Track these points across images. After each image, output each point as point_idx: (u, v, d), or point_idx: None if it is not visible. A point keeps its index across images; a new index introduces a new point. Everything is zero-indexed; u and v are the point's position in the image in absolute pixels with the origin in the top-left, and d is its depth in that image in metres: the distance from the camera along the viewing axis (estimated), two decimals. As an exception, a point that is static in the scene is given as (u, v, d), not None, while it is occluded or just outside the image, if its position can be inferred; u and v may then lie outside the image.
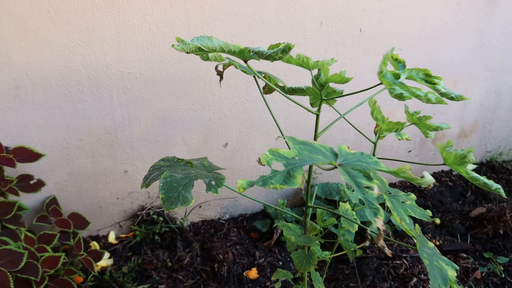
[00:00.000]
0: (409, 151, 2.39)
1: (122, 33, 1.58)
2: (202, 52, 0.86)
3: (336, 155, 0.84)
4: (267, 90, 1.24)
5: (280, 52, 0.83)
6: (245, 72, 1.07)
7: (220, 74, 1.18)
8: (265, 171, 2.03)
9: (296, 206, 2.21)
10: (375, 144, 1.26)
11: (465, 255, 1.83)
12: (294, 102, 1.01)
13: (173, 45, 0.81)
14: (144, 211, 1.97)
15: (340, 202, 1.27)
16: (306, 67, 1.03)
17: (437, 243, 1.89)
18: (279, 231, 1.95)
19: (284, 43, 0.84)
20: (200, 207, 2.05)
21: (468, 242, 1.96)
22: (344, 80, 0.96)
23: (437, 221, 1.19)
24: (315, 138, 1.11)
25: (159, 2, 1.57)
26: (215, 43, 0.84)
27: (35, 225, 1.68)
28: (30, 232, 1.74)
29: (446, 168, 2.61)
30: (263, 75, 1.16)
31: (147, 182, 1.06)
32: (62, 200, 1.85)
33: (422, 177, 0.82)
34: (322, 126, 1.14)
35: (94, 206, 1.91)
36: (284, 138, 0.86)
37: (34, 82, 1.58)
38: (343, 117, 1.17)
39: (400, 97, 0.91)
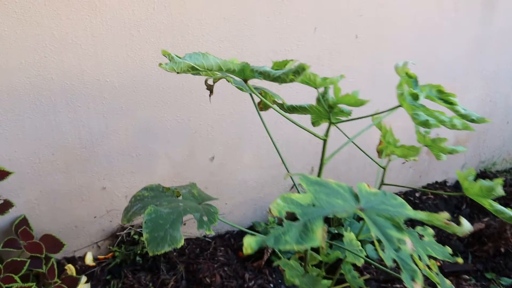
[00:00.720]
0: (403, 163, 2.26)
1: (99, 37, 1.42)
2: (196, 72, 0.71)
3: (356, 197, 0.70)
4: (263, 106, 1.09)
5: (292, 74, 0.69)
6: (240, 89, 0.92)
7: (210, 88, 1.03)
8: (257, 187, 1.88)
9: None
10: (384, 169, 1.12)
11: (467, 277, 1.71)
12: (298, 125, 0.86)
13: (160, 64, 0.67)
14: (124, 231, 1.80)
15: (344, 232, 1.13)
16: (313, 85, 0.89)
17: (438, 264, 1.76)
18: (269, 251, 1.80)
19: (296, 62, 0.71)
20: (184, 224, 1.89)
21: (469, 260, 1.84)
22: (359, 103, 0.82)
23: (460, 260, 1.05)
24: (321, 166, 0.97)
25: (140, 4, 1.41)
26: (212, 61, 0.70)
27: (2, 250, 1.50)
28: (-3, 256, 1.56)
29: (440, 178, 2.49)
30: (259, 91, 1.02)
31: (128, 216, 0.90)
32: (34, 220, 1.67)
33: (459, 224, 0.68)
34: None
35: (69, 226, 1.74)
36: (291, 176, 0.72)
37: (0, 91, 1.40)
38: (352, 141, 1.03)
39: (425, 124, 0.77)
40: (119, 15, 1.40)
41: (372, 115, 0.93)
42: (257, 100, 1.21)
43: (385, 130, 1.03)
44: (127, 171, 1.68)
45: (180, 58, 0.70)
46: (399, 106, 0.87)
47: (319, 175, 1.00)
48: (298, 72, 0.68)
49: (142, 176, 1.71)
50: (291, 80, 0.70)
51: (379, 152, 1.35)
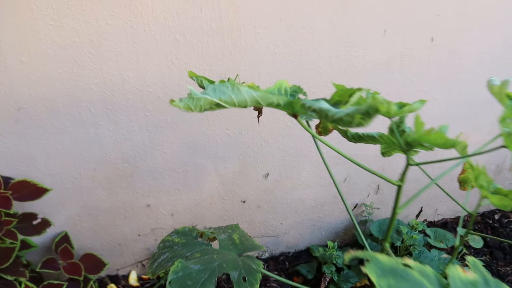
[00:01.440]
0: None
1: (141, 44, 1.27)
2: (222, 108, 0.53)
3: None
4: (322, 130, 0.89)
5: (360, 116, 0.48)
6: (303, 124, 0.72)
7: (259, 109, 0.85)
8: (315, 207, 1.68)
9: (348, 245, 1.84)
10: (472, 215, 0.89)
11: None
12: (359, 165, 0.66)
13: (172, 101, 0.49)
14: (170, 249, 1.65)
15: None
16: (386, 115, 0.68)
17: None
18: (327, 279, 1.60)
19: (364, 92, 0.51)
20: (234, 244, 1.72)
21: None
22: (450, 144, 0.60)
23: None
24: (393, 216, 0.76)
25: (185, 6, 1.25)
26: (245, 95, 0.51)
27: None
28: (36, 275, 1.46)
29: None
30: (316, 111, 0.82)
31: (153, 268, 0.73)
32: (76, 236, 1.56)
33: None
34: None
35: (112, 243, 1.62)
36: (356, 252, 0.52)
37: (38, 103, 1.29)
38: (435, 183, 0.81)
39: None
40: (162, 19, 1.25)
41: (468, 156, 0.70)
42: (315, 121, 1.01)
43: (477, 171, 0.80)
44: (173, 188, 1.53)
45: (202, 90, 0.52)
46: (502, 147, 0.65)
47: (389, 229, 0.79)
48: (369, 114, 0.48)
49: (189, 194, 1.56)
50: (359, 124, 0.50)
51: (461, 183, 1.11)
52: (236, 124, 1.46)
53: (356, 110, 0.47)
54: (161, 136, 1.42)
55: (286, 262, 1.78)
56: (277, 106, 0.55)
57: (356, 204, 1.79)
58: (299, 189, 1.66)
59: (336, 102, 0.58)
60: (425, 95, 1.59)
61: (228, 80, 0.93)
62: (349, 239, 1.87)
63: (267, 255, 1.81)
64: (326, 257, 1.62)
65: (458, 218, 1.99)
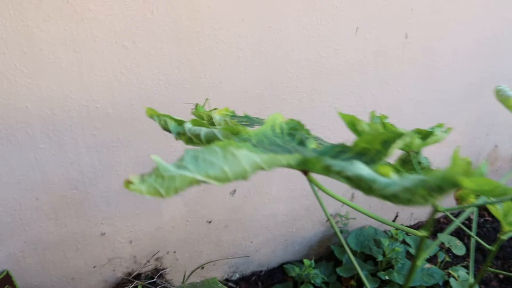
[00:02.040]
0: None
1: (83, 53, 1.08)
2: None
3: None
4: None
5: (428, 193, 0.32)
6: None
7: None
8: (287, 221, 1.54)
9: (323, 258, 1.71)
10: (492, 251, 0.76)
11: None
12: (367, 214, 0.51)
13: (128, 184, 0.33)
14: (132, 284, 1.47)
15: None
16: (406, 148, 0.54)
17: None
18: (306, 300, 1.46)
19: (415, 139, 0.38)
20: (202, 268, 1.56)
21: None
22: (498, 193, 0.44)
23: None
24: (413, 269, 0.62)
25: (134, 8, 1.07)
26: (244, 163, 0.35)
27: (-24, 321, 1.19)
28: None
29: None
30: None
31: None
32: (20, 274, 1.35)
33: None
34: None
35: (64, 278, 1.42)
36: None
37: (-38, 127, 1.08)
38: (460, 225, 0.68)
39: None
40: (107, 23, 1.07)
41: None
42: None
43: (507, 208, 0.67)
44: (130, 213, 1.35)
45: (175, 169, 0.35)
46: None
47: (407, 281, 0.65)
48: (443, 189, 0.31)
49: (148, 218, 1.38)
50: (422, 203, 0.34)
51: (458, 200, 0.99)
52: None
53: (421, 184, 0.32)
54: (113, 157, 1.24)
55: (258, 283, 1.63)
56: (288, 165, 0.40)
57: (328, 219, 1.66)
58: (269, 204, 1.51)
59: (361, 152, 0.42)
60: (400, 96, 1.48)
61: (195, 107, 0.77)
62: (323, 252, 1.74)
63: (237, 275, 1.65)
64: (303, 276, 1.48)
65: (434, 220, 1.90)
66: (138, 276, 1.47)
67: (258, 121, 0.74)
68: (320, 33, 1.26)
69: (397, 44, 1.39)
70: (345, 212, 1.65)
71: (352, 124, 0.53)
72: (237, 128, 0.45)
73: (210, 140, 0.45)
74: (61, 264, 1.38)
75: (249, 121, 0.75)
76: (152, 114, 0.49)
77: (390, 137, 0.38)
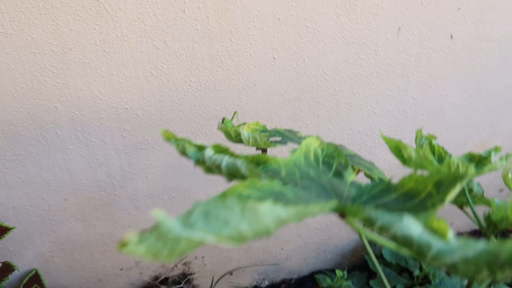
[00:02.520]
0: (501, 190, 1.78)
1: (113, 53, 1.05)
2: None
3: None
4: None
5: (497, 268, 0.25)
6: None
7: (264, 149, 0.65)
8: (320, 229, 1.48)
9: (356, 268, 1.64)
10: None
11: None
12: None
13: (123, 245, 0.27)
14: (158, 282, 1.44)
15: None
16: (459, 180, 0.47)
17: None
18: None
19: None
20: (231, 274, 1.51)
21: None
22: None
23: None
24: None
25: (165, 7, 1.03)
26: (266, 221, 0.29)
27: (3, 322, 1.18)
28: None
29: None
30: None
31: None
32: (48, 274, 1.34)
33: None
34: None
35: (91, 279, 1.40)
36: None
37: (-8, 126, 1.07)
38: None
39: None
40: (137, 23, 1.03)
41: None
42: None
43: None
44: (158, 217, 1.32)
45: (180, 228, 0.30)
46: None
47: None
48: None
49: (177, 222, 1.34)
50: (486, 278, 0.27)
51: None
52: (229, 142, 1.25)
53: (486, 257, 0.25)
54: (142, 160, 1.20)
55: (289, 290, 1.57)
56: (331, 209, 0.34)
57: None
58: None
59: (409, 193, 0.35)
60: (443, 100, 1.39)
61: (222, 121, 0.71)
62: (357, 261, 1.66)
63: (266, 283, 1.60)
64: (335, 285, 1.41)
65: (475, 231, 1.79)
66: (165, 281, 1.44)
67: (291, 136, 0.69)
68: (359, 33, 1.19)
69: (441, 46, 1.30)
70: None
71: (397, 149, 0.47)
72: (264, 157, 0.39)
73: (232, 173, 0.39)
74: (89, 265, 1.36)
75: (280, 135, 0.69)
76: (169, 138, 0.43)
77: (447, 178, 0.31)
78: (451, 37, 1.30)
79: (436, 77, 1.34)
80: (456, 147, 1.49)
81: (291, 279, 1.61)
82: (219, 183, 1.31)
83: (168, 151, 1.21)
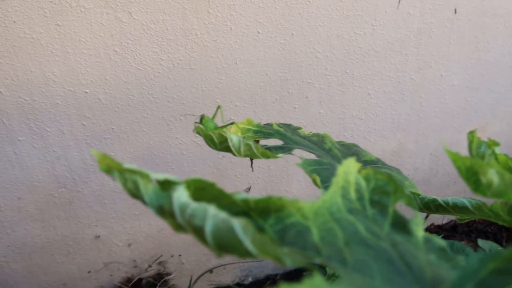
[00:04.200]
0: None
1: (67, 26, 0.86)
2: None
3: None
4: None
5: None
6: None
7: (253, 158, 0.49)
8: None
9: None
10: None
11: None
12: None
13: None
14: (130, 284, 1.29)
15: None
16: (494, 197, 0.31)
17: None
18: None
19: None
20: (211, 272, 1.36)
21: None
22: None
23: None
24: None
25: (129, -31, 0.84)
26: None
27: None
28: None
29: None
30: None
31: None
32: (5, 281, 1.17)
33: None
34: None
35: (55, 285, 1.23)
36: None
37: None
38: None
39: None
40: (95, -11, 0.84)
41: None
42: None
43: None
44: (128, 214, 1.15)
45: None
46: None
47: None
48: None
49: (149, 219, 1.18)
50: None
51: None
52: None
53: None
54: (107, 151, 1.03)
55: (273, 287, 1.43)
56: None
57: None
58: (289, 203, 1.30)
59: None
60: (443, 81, 1.25)
61: (201, 120, 0.55)
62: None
63: (250, 279, 1.46)
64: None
65: (468, 220, 1.68)
66: (138, 282, 1.28)
67: (296, 140, 0.52)
68: (356, 5, 1.03)
69: (444, 21, 1.15)
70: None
71: (471, 172, 0.31)
72: (278, 201, 0.24)
73: (225, 245, 0.23)
74: (51, 269, 1.19)
75: (281, 138, 0.53)
76: (110, 169, 0.26)
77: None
78: (455, 12, 1.15)
79: (437, 56, 1.19)
80: (455, 131, 1.36)
81: (276, 275, 1.47)
82: (196, 174, 1.14)
83: (137, 141, 1.04)
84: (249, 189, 1.22)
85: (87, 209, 1.11)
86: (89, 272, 1.24)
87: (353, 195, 0.27)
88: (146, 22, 0.90)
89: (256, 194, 1.24)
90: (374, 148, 1.28)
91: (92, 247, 1.19)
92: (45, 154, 0.99)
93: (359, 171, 0.28)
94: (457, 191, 1.52)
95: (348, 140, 1.22)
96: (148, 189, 0.24)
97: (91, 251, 1.20)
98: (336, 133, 1.20)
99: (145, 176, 0.25)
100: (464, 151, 1.32)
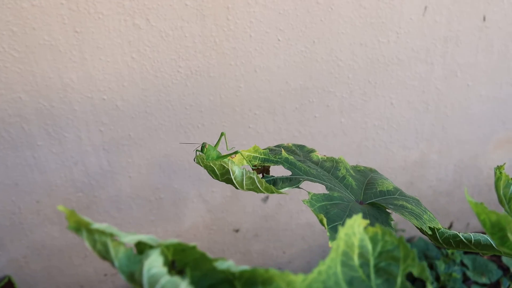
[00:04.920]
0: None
1: (86, 33, 0.85)
2: None
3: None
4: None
5: None
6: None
7: (264, 169, 0.46)
8: (316, 223, 1.30)
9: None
10: None
11: None
12: None
13: None
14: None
15: None
16: None
17: None
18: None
19: None
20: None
21: None
22: None
23: None
24: None
25: (147, -24, 0.83)
26: None
27: None
28: None
29: None
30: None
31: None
32: (24, 280, 1.17)
33: None
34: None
35: (72, 286, 1.23)
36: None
37: None
38: None
39: None
40: (113, -4, 0.83)
41: None
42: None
43: None
44: (144, 220, 1.14)
45: None
46: None
47: None
48: None
49: (166, 225, 1.17)
50: None
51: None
52: (226, 136, 1.06)
53: None
54: (124, 157, 1.02)
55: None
56: None
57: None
58: (307, 212, 1.27)
59: None
60: (470, 91, 1.19)
61: (202, 148, 0.53)
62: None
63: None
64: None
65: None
66: None
67: (306, 170, 0.50)
68: (380, 12, 0.99)
69: (472, 29, 1.10)
70: (393, 224, 1.39)
71: (498, 227, 0.28)
72: (268, 273, 0.21)
73: None
74: (69, 271, 1.19)
75: (290, 168, 0.50)
76: (78, 227, 0.23)
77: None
78: (484, 19, 1.09)
79: (464, 65, 1.14)
80: (480, 142, 1.30)
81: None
82: (214, 183, 1.13)
83: (154, 148, 1.03)
84: (267, 198, 1.20)
85: (104, 214, 1.10)
86: (105, 275, 1.23)
87: (356, 260, 0.24)
88: (164, 28, 0.88)
89: (275, 203, 1.22)
90: (396, 159, 1.24)
91: (109, 251, 1.18)
92: (63, 159, 0.99)
93: (366, 228, 0.25)
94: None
95: (369, 150, 1.18)
96: (118, 253, 0.22)
97: (108, 254, 1.19)
98: (357, 143, 1.16)
99: (114, 240, 0.22)
100: (489, 163, 1.26)
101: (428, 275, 0.29)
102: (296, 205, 1.24)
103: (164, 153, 1.04)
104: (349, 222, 0.26)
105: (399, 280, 0.23)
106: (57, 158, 0.98)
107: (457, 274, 1.19)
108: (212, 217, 1.18)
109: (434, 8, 1.03)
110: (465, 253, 1.34)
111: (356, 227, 0.24)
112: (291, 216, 1.26)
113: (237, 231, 1.23)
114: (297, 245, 1.34)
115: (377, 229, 0.29)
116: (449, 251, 1.28)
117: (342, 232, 0.24)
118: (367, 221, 0.29)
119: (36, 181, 1.01)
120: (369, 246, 0.24)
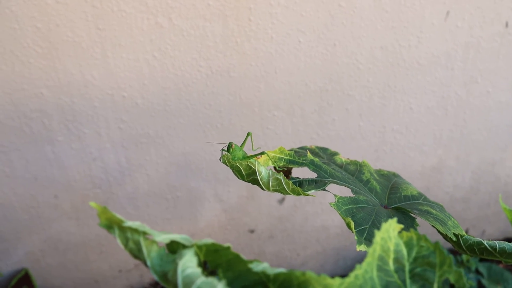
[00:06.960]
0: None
1: (108, 31, 0.84)
2: None
3: None
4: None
5: None
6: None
7: (287, 170, 0.45)
8: (341, 234, 1.28)
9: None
10: None
11: None
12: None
13: None
14: (159, 286, 1.27)
15: None
16: None
17: None
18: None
19: None
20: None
21: None
22: None
23: None
24: None
25: (171, -25, 0.81)
26: None
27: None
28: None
29: None
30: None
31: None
32: (40, 274, 1.17)
33: None
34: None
35: (87, 281, 1.22)
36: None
37: (-32, 112, 0.88)
38: None
39: None
40: (137, -6, 0.82)
41: None
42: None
43: None
44: (160, 218, 1.13)
45: None
46: None
47: None
48: None
49: (182, 223, 1.15)
50: None
51: None
52: (242, 138, 1.04)
53: None
54: (142, 155, 1.01)
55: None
56: None
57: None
58: (322, 215, 1.24)
59: None
60: (490, 98, 1.16)
61: (228, 148, 0.51)
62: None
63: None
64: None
65: (509, 239, 1.58)
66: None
67: (331, 172, 0.48)
68: (402, 16, 0.96)
69: (494, 35, 1.07)
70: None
71: None
72: (304, 276, 0.19)
73: None
74: (84, 266, 1.19)
75: (315, 170, 0.48)
76: (111, 224, 0.22)
77: None
78: (506, 25, 1.06)
79: (484, 71, 1.11)
80: (498, 149, 1.27)
81: None
82: (230, 183, 1.11)
83: (173, 146, 1.01)
84: (283, 199, 1.18)
85: (121, 211, 1.09)
86: (120, 271, 1.22)
87: (391, 265, 0.22)
88: (186, 27, 0.87)
89: (290, 205, 1.20)
90: (413, 163, 1.21)
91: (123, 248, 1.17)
92: (82, 155, 0.98)
93: (400, 233, 0.23)
94: (498, 211, 1.42)
95: (387, 154, 1.16)
96: (151, 252, 0.20)
97: (123, 251, 1.18)
98: (375, 147, 1.14)
99: (147, 239, 0.21)
100: (507, 171, 1.22)
101: (465, 282, 0.27)
102: (311, 208, 1.22)
103: (182, 152, 1.03)
104: (384, 226, 0.24)
105: (435, 286, 0.21)
106: (76, 154, 0.98)
107: (472, 282, 1.16)
108: (227, 217, 1.17)
109: (456, 14, 1.00)
110: (481, 260, 1.30)
111: (391, 232, 0.23)
112: (306, 218, 1.23)
113: (252, 231, 1.22)
114: (311, 247, 1.32)
115: (412, 234, 0.27)
116: (464, 259, 1.25)
117: (378, 236, 0.23)
118: (402, 226, 0.27)
119: (55, 176, 1.00)
120: (404, 251, 0.23)
